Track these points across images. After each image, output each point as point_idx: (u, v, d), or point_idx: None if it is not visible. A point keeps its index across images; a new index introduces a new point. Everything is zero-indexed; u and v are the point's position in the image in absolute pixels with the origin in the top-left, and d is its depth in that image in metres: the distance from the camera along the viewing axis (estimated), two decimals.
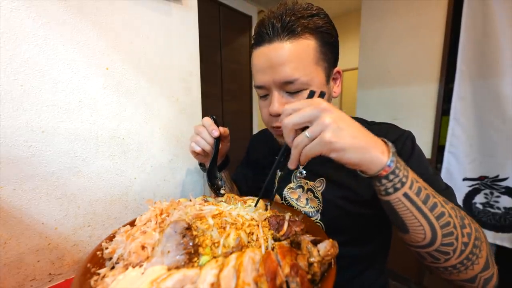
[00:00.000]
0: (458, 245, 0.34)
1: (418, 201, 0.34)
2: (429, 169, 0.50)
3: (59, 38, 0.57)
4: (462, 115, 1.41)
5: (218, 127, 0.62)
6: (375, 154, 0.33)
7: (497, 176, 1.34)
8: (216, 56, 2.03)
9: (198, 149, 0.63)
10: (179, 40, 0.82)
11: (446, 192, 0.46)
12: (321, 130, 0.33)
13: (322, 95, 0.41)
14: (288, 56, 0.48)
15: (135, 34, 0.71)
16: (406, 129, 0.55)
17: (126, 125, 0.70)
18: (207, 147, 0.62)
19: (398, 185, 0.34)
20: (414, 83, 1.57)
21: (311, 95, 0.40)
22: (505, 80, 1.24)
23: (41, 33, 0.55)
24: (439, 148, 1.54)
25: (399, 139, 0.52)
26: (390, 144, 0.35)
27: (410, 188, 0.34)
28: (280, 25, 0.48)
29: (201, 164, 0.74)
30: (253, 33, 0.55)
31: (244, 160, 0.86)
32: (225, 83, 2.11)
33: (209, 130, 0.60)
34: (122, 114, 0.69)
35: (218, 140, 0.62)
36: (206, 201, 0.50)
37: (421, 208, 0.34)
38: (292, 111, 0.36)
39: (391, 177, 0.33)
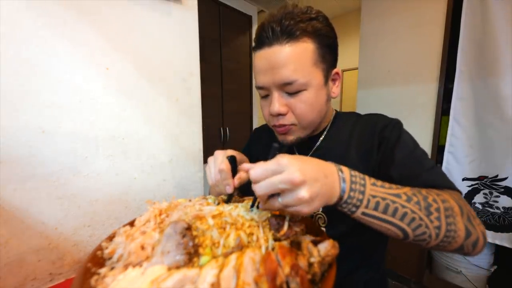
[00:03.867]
0: (431, 231, 0.39)
1: (378, 214, 0.38)
2: (416, 150, 0.52)
3: (59, 38, 0.57)
4: (462, 115, 1.41)
5: (236, 168, 0.53)
6: (333, 192, 0.37)
7: (497, 176, 1.34)
8: (216, 56, 2.03)
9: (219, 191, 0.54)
10: (179, 40, 0.82)
11: (431, 172, 0.48)
12: (295, 202, 0.34)
13: (280, 149, 0.42)
14: (287, 59, 0.49)
15: (135, 34, 0.71)
16: (406, 129, 0.56)
17: (126, 125, 0.70)
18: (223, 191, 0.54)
19: (353, 209, 0.38)
20: (414, 83, 1.57)
21: (273, 152, 0.41)
22: (504, 80, 1.24)
23: (41, 33, 0.55)
24: (438, 148, 1.54)
25: (387, 127, 0.55)
26: (341, 172, 0.38)
27: (366, 206, 0.38)
28: (279, 29, 0.49)
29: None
30: (254, 36, 0.56)
31: (245, 152, 0.87)
32: (225, 83, 2.11)
33: (223, 185, 0.52)
34: (122, 114, 0.69)
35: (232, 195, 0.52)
36: (205, 197, 0.51)
37: (382, 218, 0.38)
38: (259, 178, 0.35)
39: (348, 201, 0.37)
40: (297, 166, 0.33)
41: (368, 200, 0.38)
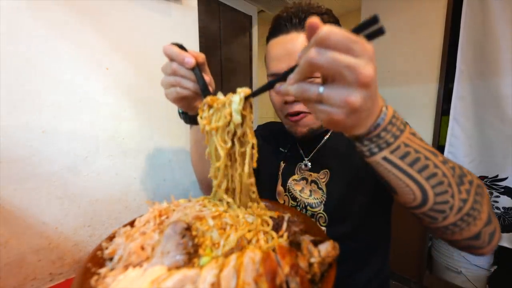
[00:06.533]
0: (455, 202, 0.34)
1: (402, 164, 0.32)
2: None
3: (60, 38, 0.57)
4: (462, 115, 1.41)
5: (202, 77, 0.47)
6: (367, 120, 0.30)
7: (497, 176, 1.34)
8: (216, 56, 2.03)
9: (184, 93, 0.47)
10: (179, 40, 0.81)
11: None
12: (339, 102, 0.26)
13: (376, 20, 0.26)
14: (304, 45, 0.50)
15: (135, 34, 0.71)
16: None
17: (126, 125, 0.70)
18: (189, 85, 0.47)
19: (375, 150, 0.32)
20: (414, 83, 1.57)
21: (371, 22, 0.25)
22: (504, 80, 1.24)
23: (41, 33, 0.55)
24: (439, 148, 1.54)
25: None
26: (385, 107, 0.32)
27: (392, 152, 0.32)
28: (297, 19, 0.53)
29: (183, 113, 0.56)
30: (270, 27, 0.58)
31: None
32: (225, 83, 2.11)
33: (179, 60, 0.45)
34: (122, 114, 0.69)
35: (198, 70, 0.46)
36: (206, 197, 0.50)
37: (406, 170, 0.32)
38: (331, 43, 0.24)
39: (374, 139, 0.31)
40: (374, 64, 0.25)
41: (398, 147, 0.32)
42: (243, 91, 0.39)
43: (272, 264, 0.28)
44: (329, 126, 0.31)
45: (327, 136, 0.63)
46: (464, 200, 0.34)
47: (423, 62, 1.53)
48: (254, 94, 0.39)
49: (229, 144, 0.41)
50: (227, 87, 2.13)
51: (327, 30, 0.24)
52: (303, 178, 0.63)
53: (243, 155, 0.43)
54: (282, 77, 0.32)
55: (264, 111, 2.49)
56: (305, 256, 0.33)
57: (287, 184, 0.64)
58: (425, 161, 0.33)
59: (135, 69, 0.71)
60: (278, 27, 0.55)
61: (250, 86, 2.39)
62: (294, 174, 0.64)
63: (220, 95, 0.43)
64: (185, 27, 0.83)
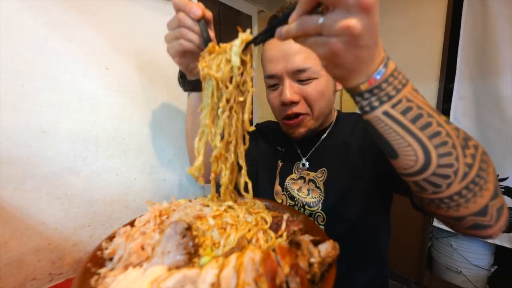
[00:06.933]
0: (460, 166, 0.31)
1: (403, 120, 0.30)
2: None
3: (59, 38, 0.57)
4: (462, 115, 1.41)
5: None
6: (367, 68, 0.29)
7: (497, 176, 1.34)
8: None
9: (187, 45, 0.46)
10: None
11: None
12: (339, 29, 0.25)
13: None
14: (300, 47, 0.51)
15: (135, 34, 0.71)
16: None
17: (126, 125, 0.70)
18: (194, 37, 0.45)
19: (376, 104, 0.30)
20: (414, 83, 1.56)
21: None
22: (504, 80, 1.24)
23: (41, 33, 0.55)
24: None
25: None
26: (387, 59, 0.31)
27: (393, 106, 0.30)
28: None
29: (182, 76, 0.57)
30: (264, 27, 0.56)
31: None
32: None
33: (187, 10, 0.43)
34: (122, 114, 0.69)
35: (204, 22, 0.46)
36: (205, 197, 0.50)
37: (407, 127, 0.30)
38: None
39: (374, 91, 0.30)
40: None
41: (400, 101, 0.30)
42: (244, 35, 0.38)
43: (272, 264, 0.28)
44: (329, 65, 0.30)
45: (325, 135, 0.63)
46: (469, 165, 0.31)
47: (423, 61, 1.53)
48: (255, 39, 0.37)
49: (231, 87, 0.39)
50: None
51: None
52: (301, 177, 0.63)
53: (242, 104, 0.41)
54: (283, 18, 0.31)
55: (265, 112, 2.49)
56: (305, 256, 0.33)
57: (285, 183, 0.64)
58: (428, 118, 0.31)
59: (135, 69, 0.71)
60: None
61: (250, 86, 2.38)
62: (292, 173, 0.64)
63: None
64: None
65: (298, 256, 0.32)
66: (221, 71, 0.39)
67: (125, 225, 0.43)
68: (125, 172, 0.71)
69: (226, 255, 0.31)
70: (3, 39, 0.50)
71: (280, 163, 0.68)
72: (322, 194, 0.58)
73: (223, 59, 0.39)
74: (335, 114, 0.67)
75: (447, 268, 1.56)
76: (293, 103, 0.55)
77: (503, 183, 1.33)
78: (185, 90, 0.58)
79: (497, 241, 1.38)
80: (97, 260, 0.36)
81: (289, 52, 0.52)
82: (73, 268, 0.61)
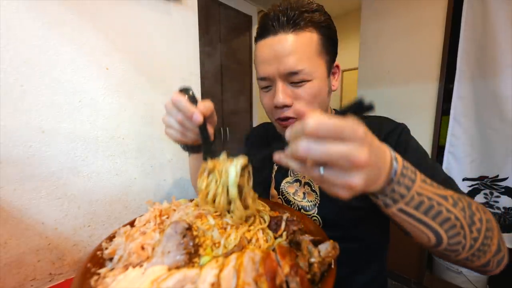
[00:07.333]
0: (467, 242, 0.36)
1: (417, 214, 0.33)
2: (427, 159, 0.51)
3: (59, 38, 0.57)
4: (462, 115, 1.41)
5: (196, 104, 0.45)
6: (377, 181, 0.30)
7: (497, 176, 1.34)
8: (216, 56, 2.03)
9: (183, 140, 0.48)
10: (179, 40, 0.82)
11: (446, 182, 0.47)
12: (341, 184, 0.27)
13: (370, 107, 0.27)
14: (293, 48, 0.49)
15: (135, 34, 0.71)
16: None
17: (126, 125, 0.70)
18: (192, 136, 0.47)
19: (390, 203, 0.32)
20: (414, 83, 1.57)
21: (357, 106, 0.27)
22: (504, 80, 1.24)
23: (41, 33, 0.55)
24: (439, 148, 1.54)
25: (394, 132, 0.54)
26: (395, 162, 0.32)
27: (407, 204, 0.32)
28: (285, 18, 0.49)
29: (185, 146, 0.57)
30: (257, 26, 0.56)
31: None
32: (225, 83, 2.11)
33: (187, 116, 0.43)
34: (122, 114, 0.69)
35: (204, 124, 0.44)
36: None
37: (421, 218, 0.34)
38: (319, 133, 0.25)
39: (387, 194, 0.32)
40: (367, 144, 0.26)
41: (412, 198, 0.32)
42: (239, 161, 0.38)
43: (272, 264, 0.28)
44: (341, 198, 0.31)
45: None
46: (475, 238, 0.36)
47: (423, 62, 1.53)
48: (252, 161, 0.38)
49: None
50: (227, 87, 2.13)
51: (315, 122, 0.25)
52: (297, 180, 0.62)
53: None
54: (278, 148, 0.32)
55: (264, 112, 2.49)
56: (305, 256, 0.33)
57: (281, 187, 0.63)
58: (438, 207, 0.34)
59: (135, 69, 0.71)
60: (265, 28, 0.51)
61: (250, 86, 2.38)
62: (287, 176, 0.64)
63: (223, 156, 0.41)
64: (185, 27, 0.83)
65: (298, 256, 0.32)
66: (218, 201, 0.39)
67: (125, 225, 0.43)
68: (125, 172, 0.71)
69: (226, 255, 0.31)
70: (3, 39, 0.50)
71: (275, 166, 0.67)
72: (318, 197, 0.58)
73: (220, 188, 0.39)
74: (332, 113, 0.66)
75: (447, 268, 1.56)
76: (286, 106, 0.53)
77: (503, 183, 1.33)
78: (185, 150, 0.57)
79: None
80: (97, 260, 0.36)
81: (281, 53, 0.49)
82: (73, 268, 0.61)
